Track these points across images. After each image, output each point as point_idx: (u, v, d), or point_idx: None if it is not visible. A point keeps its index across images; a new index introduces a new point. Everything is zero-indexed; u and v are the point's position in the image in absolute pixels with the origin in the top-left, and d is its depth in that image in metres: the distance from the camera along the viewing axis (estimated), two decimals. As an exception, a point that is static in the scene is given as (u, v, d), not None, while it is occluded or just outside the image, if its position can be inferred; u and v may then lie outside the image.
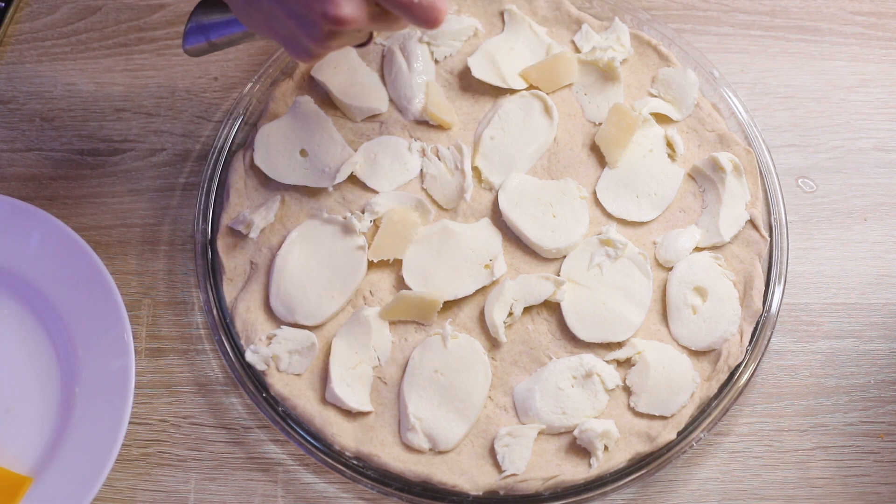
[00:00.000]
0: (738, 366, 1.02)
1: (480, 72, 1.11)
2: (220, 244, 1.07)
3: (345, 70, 1.11)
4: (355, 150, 1.09)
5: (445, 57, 1.14)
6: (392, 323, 1.04)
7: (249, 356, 1.02)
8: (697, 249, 1.06)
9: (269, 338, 1.03)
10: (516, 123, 1.10)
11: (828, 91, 1.17)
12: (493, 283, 1.04)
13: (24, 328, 1.05)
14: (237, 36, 1.00)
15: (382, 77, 1.13)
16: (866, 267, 1.10)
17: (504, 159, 1.09)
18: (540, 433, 1.00)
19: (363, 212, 1.07)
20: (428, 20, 0.86)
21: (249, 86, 1.12)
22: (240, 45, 1.17)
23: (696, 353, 1.03)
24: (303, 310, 1.03)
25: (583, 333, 1.03)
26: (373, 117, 1.11)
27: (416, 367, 1.02)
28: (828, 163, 1.14)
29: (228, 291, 1.06)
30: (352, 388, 1.01)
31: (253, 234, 1.06)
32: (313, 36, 0.88)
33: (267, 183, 1.09)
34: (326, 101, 1.12)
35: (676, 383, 1.01)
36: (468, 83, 1.13)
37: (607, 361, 1.02)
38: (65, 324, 1.04)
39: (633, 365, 1.02)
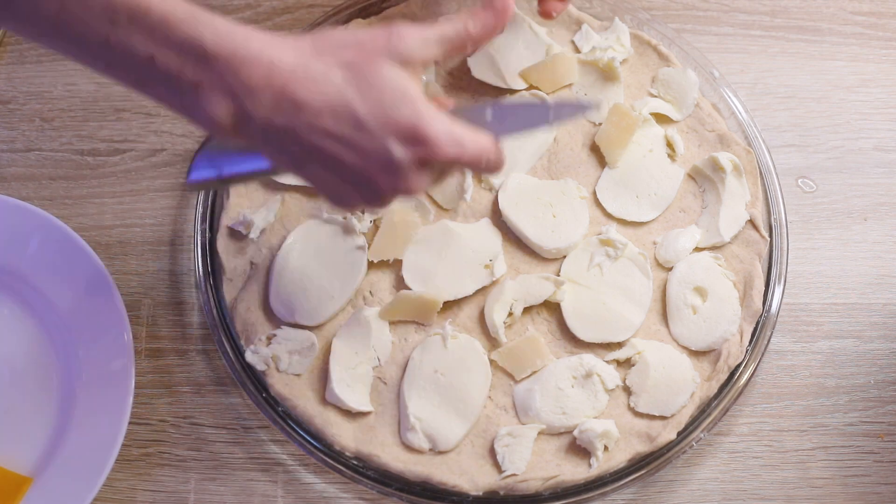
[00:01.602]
0: (738, 366, 1.02)
1: (480, 72, 1.11)
2: (220, 244, 1.07)
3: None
4: (355, 150, 1.09)
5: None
6: (392, 323, 1.04)
7: (249, 356, 1.02)
8: (697, 249, 1.06)
9: (269, 338, 1.03)
10: (516, 123, 1.10)
11: (828, 91, 1.17)
12: (493, 283, 1.04)
13: (24, 328, 1.05)
14: (259, 173, 0.90)
15: (382, 77, 1.13)
16: (866, 267, 1.10)
17: (504, 159, 1.09)
18: (540, 433, 1.00)
19: (363, 212, 1.07)
20: (493, 171, 0.84)
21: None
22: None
23: (696, 353, 1.03)
24: (303, 310, 1.03)
25: (583, 333, 1.03)
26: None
27: (416, 368, 1.02)
28: (828, 163, 1.14)
29: (228, 291, 1.06)
30: (352, 388, 1.01)
31: (253, 235, 1.06)
32: (373, 202, 0.82)
33: (267, 183, 1.09)
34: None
35: (676, 383, 1.01)
36: (468, 83, 1.13)
37: (607, 361, 1.02)
38: (65, 324, 1.04)
39: (633, 365, 1.02)
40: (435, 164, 0.80)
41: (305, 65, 0.77)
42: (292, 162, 0.80)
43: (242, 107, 0.76)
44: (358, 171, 0.78)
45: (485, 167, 0.82)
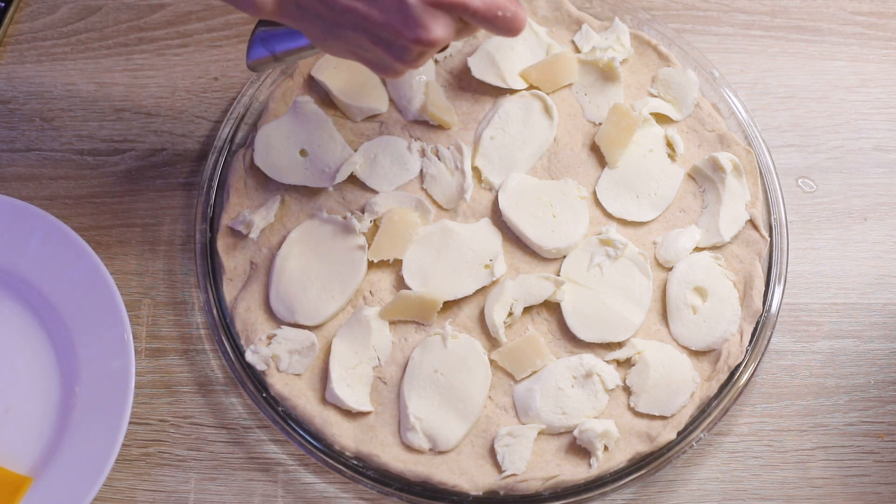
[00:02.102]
0: (738, 366, 1.02)
1: (480, 72, 1.11)
2: (220, 244, 1.07)
3: (345, 70, 1.11)
4: (355, 150, 1.09)
5: (445, 57, 1.14)
6: (392, 323, 1.04)
7: (249, 356, 1.02)
8: (697, 249, 1.06)
9: (269, 338, 1.03)
10: (516, 123, 1.10)
11: (828, 91, 1.17)
12: (493, 283, 1.04)
13: (24, 328, 1.05)
14: (305, 48, 0.97)
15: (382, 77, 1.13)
16: (866, 267, 1.10)
17: (504, 159, 1.09)
18: (540, 433, 1.00)
19: (363, 212, 1.07)
20: (511, 29, 0.88)
21: (249, 86, 1.12)
22: (239, 45, 1.17)
23: (696, 353, 1.03)
24: (303, 310, 1.03)
25: (583, 333, 1.03)
26: (373, 117, 1.11)
27: (416, 367, 1.02)
28: (828, 163, 1.14)
29: (228, 291, 1.06)
30: (352, 388, 1.01)
31: (253, 234, 1.06)
32: (404, 59, 0.89)
33: (267, 183, 1.09)
34: (326, 101, 1.12)
35: (676, 383, 1.01)
36: (468, 83, 1.13)
37: (607, 361, 1.02)
38: (65, 324, 1.04)
39: (633, 365, 1.02)
40: (448, 5, 0.85)
41: None
42: (327, 30, 0.87)
43: None
44: (382, 25, 0.86)
45: (501, 21, 0.87)
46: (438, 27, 0.86)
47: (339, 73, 1.11)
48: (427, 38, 0.86)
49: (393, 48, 0.88)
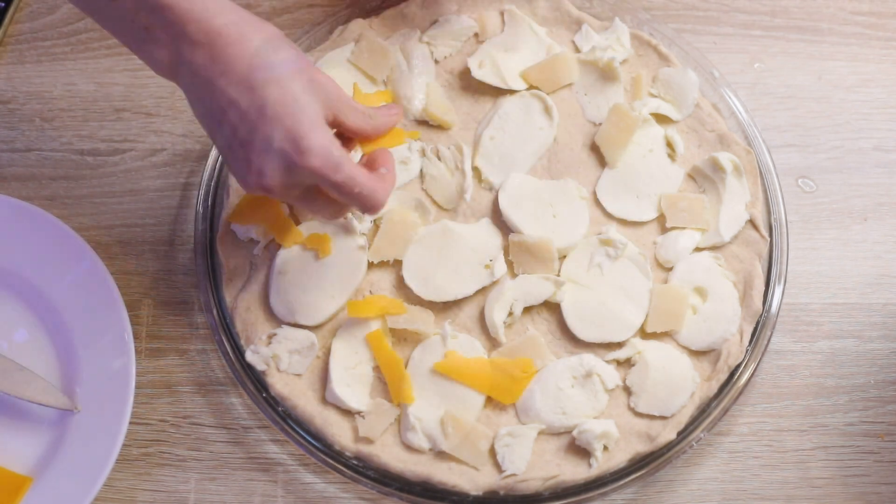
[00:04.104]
0: (738, 366, 1.02)
1: (480, 72, 1.11)
2: (220, 244, 1.07)
3: (344, 72, 1.11)
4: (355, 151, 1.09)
5: (445, 57, 1.14)
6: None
7: (249, 356, 1.02)
8: (697, 249, 1.06)
9: (269, 338, 1.03)
10: (516, 123, 1.10)
11: (828, 91, 1.17)
12: (493, 283, 1.04)
13: (24, 328, 1.05)
14: None
15: (382, 77, 1.13)
16: (866, 267, 1.10)
17: (504, 159, 1.09)
18: (540, 433, 1.00)
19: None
20: (369, 208, 0.91)
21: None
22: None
23: (696, 353, 1.03)
24: (303, 310, 1.03)
25: (583, 333, 1.03)
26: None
27: (416, 367, 1.02)
28: (828, 163, 1.14)
29: (228, 291, 1.06)
30: (352, 388, 1.01)
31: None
32: (241, 177, 0.90)
33: (267, 183, 1.09)
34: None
35: (676, 383, 1.01)
36: (468, 83, 1.13)
37: (607, 361, 1.02)
38: (65, 324, 1.04)
39: (633, 365, 1.02)
40: (303, 171, 0.87)
41: (253, 42, 0.87)
42: (205, 113, 0.89)
43: (181, 54, 0.87)
44: (244, 143, 0.87)
45: (357, 198, 0.89)
46: (283, 180, 0.88)
47: (339, 74, 1.11)
48: (269, 183, 0.88)
49: (240, 164, 0.89)
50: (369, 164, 0.94)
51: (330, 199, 0.92)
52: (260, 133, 0.86)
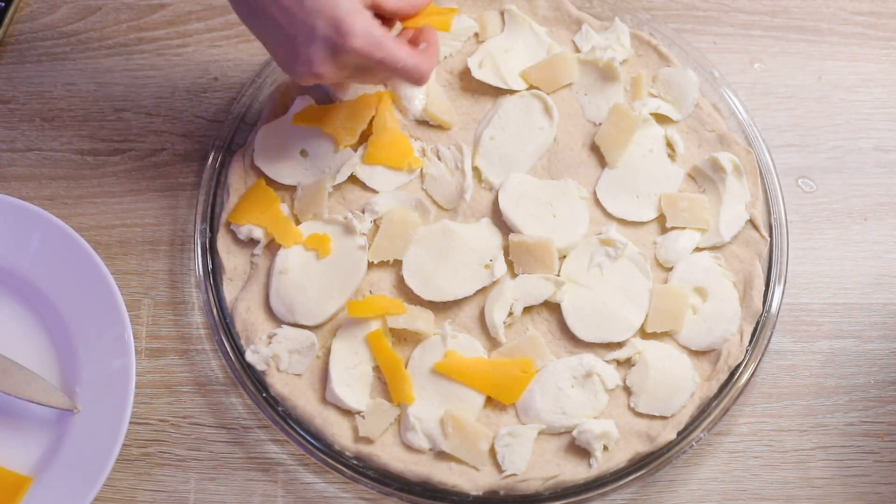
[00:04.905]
0: (738, 366, 1.02)
1: (480, 72, 1.11)
2: (220, 244, 1.07)
3: (345, 70, 1.11)
4: (355, 151, 1.09)
5: (445, 57, 1.14)
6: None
7: (249, 356, 1.02)
8: (697, 249, 1.06)
9: (270, 337, 1.03)
10: (516, 123, 1.10)
11: (828, 91, 1.17)
12: (494, 283, 1.04)
13: (24, 328, 1.05)
14: None
15: (382, 77, 1.13)
16: (866, 267, 1.10)
17: (504, 159, 1.09)
18: (540, 433, 1.00)
19: (363, 212, 1.07)
20: (415, 80, 0.96)
21: (249, 86, 1.12)
22: (239, 45, 1.17)
23: (696, 353, 1.03)
24: (303, 310, 1.03)
25: (583, 333, 1.03)
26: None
27: (416, 367, 1.02)
28: (828, 163, 1.14)
29: (228, 291, 1.06)
30: (352, 388, 1.01)
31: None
32: (290, 68, 0.95)
33: (267, 183, 1.09)
34: (326, 101, 1.12)
35: (676, 383, 1.01)
36: (468, 83, 1.13)
37: (607, 361, 1.02)
38: (65, 324, 1.04)
39: (633, 365, 1.02)
40: (348, 53, 0.91)
41: None
42: (248, 13, 0.94)
43: None
44: (289, 36, 0.92)
45: (402, 72, 0.94)
46: (332, 63, 0.92)
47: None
48: (318, 67, 0.92)
49: (289, 55, 0.94)
50: (412, 40, 0.99)
51: (379, 70, 0.96)
52: (303, 24, 0.90)
